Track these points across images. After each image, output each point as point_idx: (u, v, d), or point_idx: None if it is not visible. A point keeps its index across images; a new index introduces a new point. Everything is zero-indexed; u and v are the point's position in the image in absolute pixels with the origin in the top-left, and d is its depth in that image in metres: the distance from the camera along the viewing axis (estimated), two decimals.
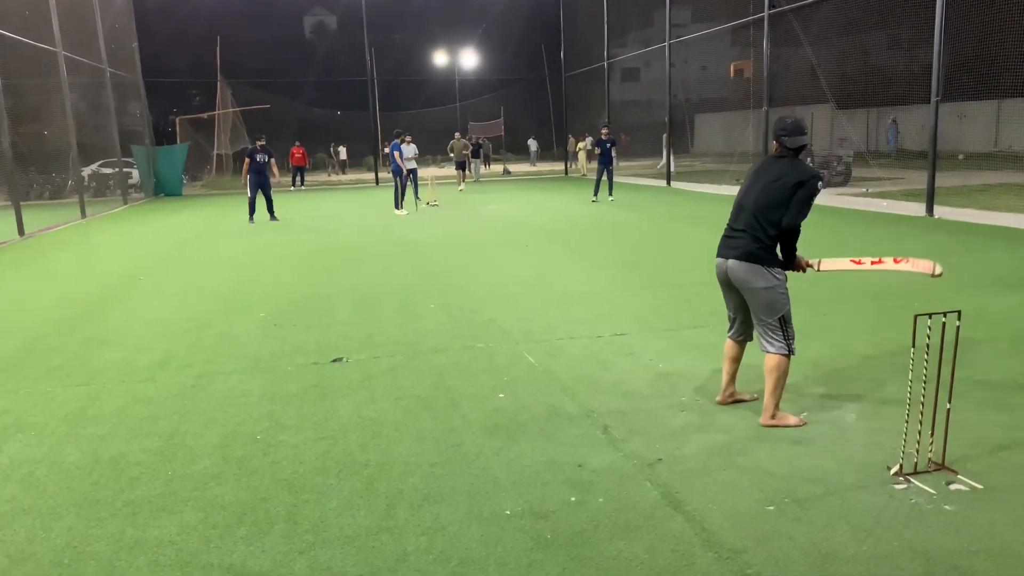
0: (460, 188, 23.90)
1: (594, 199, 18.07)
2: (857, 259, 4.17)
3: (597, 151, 18.31)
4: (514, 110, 39.25)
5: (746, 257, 4.01)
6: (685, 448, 3.86)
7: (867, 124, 29.73)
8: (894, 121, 29.20)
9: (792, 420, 4.09)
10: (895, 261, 4.02)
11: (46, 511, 3.40)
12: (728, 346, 4.38)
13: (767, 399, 4.07)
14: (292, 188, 27.50)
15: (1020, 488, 3.32)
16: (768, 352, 4.05)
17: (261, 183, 15.83)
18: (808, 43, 17.78)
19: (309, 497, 3.47)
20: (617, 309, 6.96)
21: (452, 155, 25.69)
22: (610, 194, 18.20)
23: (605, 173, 17.85)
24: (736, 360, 4.36)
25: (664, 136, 25.70)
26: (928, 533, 2.98)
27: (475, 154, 30.02)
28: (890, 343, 5.54)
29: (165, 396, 4.94)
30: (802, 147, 4.09)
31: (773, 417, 4.07)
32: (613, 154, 18.22)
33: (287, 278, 9.15)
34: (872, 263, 4.08)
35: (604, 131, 18.26)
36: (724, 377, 4.42)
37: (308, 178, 29.99)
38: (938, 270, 3.87)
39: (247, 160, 15.84)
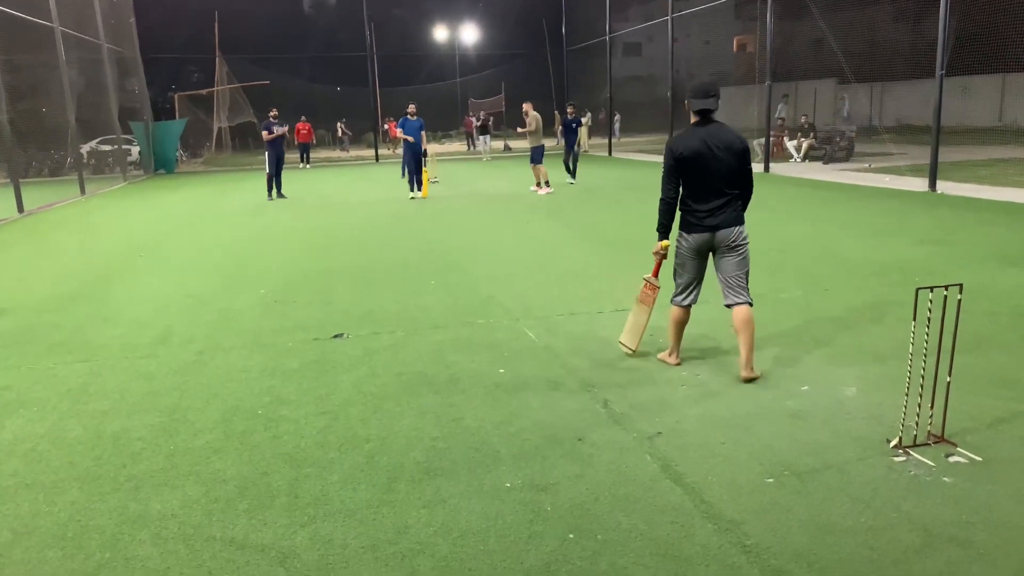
0: (541, 191, 15.14)
1: (570, 181, 16.51)
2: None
3: (561, 129, 17.01)
4: (515, 86, 38.94)
5: (742, 221, 4.43)
6: (684, 422, 3.87)
7: (871, 98, 29.52)
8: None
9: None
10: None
11: (49, 486, 3.42)
12: (684, 314, 4.66)
13: (752, 353, 4.32)
14: (301, 166, 26.41)
15: (1019, 460, 3.33)
16: (748, 304, 4.36)
17: (279, 156, 15.74)
18: (816, 15, 17.58)
19: (310, 471, 3.48)
20: (617, 285, 6.95)
21: (530, 132, 15.32)
22: (572, 177, 16.47)
23: (571, 156, 16.50)
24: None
25: (781, 105, 22.21)
26: (927, 505, 2.99)
27: (484, 131, 28.79)
28: (891, 317, 5.53)
29: (166, 372, 4.95)
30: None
31: (753, 369, 4.35)
32: (579, 134, 16.97)
33: (286, 255, 9.14)
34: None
35: (570, 110, 16.66)
36: (679, 341, 4.73)
37: (311, 155, 29.20)
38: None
39: (266, 132, 15.64)
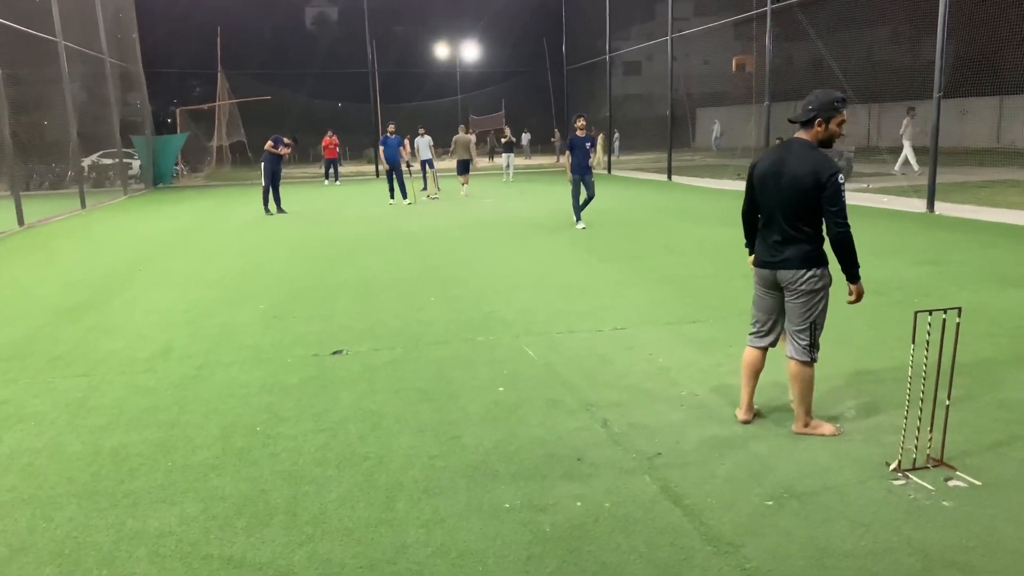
0: (462, 193, 19.34)
1: (578, 224, 12.30)
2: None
3: (568, 155, 12.13)
4: (515, 103, 39.22)
5: (807, 264, 3.81)
6: (684, 442, 3.86)
7: (868, 119, 29.71)
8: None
9: (827, 429, 3.91)
10: None
11: (47, 501, 3.41)
12: (753, 357, 4.09)
13: (801, 409, 3.91)
14: (326, 183, 25.65)
15: (1019, 484, 3.33)
16: (801, 362, 3.86)
17: (276, 172, 15.89)
18: (813, 36, 17.73)
19: (309, 489, 3.47)
20: (617, 303, 6.96)
21: (453, 154, 20.23)
22: (578, 215, 12.45)
23: (583, 185, 12.10)
24: (759, 372, 4.10)
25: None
26: (926, 529, 2.99)
27: (508, 148, 25.95)
28: (890, 338, 5.54)
29: (165, 386, 4.95)
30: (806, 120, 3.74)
31: (806, 425, 3.92)
32: (592, 159, 12.19)
33: (287, 269, 9.15)
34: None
35: (580, 123, 11.92)
36: (748, 392, 4.11)
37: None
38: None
39: (271, 143, 15.77)
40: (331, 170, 25.91)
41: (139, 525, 3.18)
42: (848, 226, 3.66)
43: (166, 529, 3.14)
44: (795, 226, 3.75)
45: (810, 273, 3.76)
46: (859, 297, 3.82)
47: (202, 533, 3.10)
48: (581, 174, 12.00)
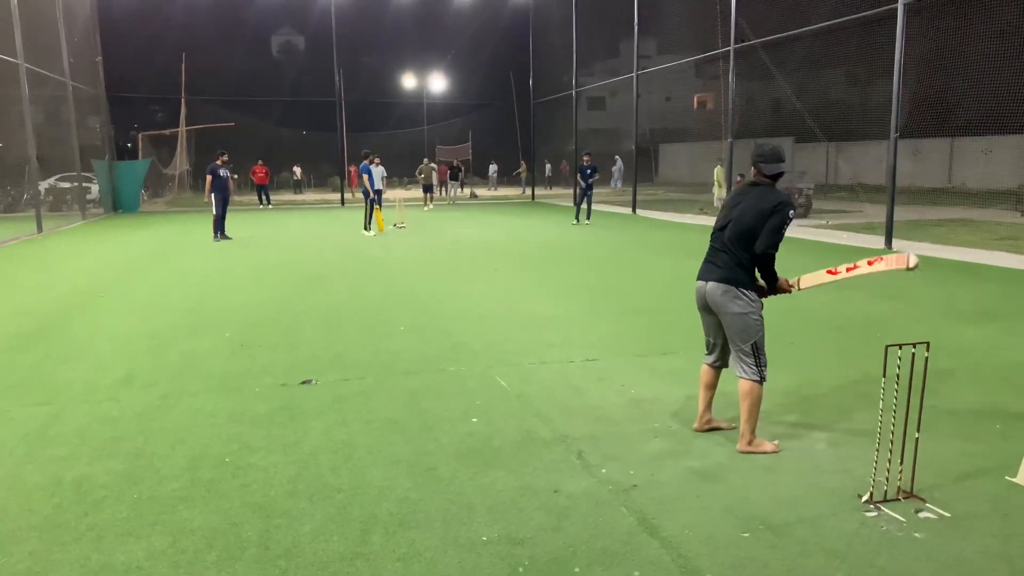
0: (425, 208, 25.23)
1: (574, 223, 19.09)
2: (833, 269, 4.18)
3: (579, 178, 19.24)
4: (482, 135, 39.55)
5: (723, 280, 4.08)
6: (660, 474, 3.87)
7: (827, 157, 30.53)
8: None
9: (768, 446, 4.14)
10: (869, 263, 3.96)
11: (6, 535, 3.28)
12: (703, 372, 4.41)
13: (743, 425, 4.12)
14: (260, 206, 27.72)
15: (986, 516, 3.40)
16: (741, 378, 4.10)
17: (225, 199, 15.80)
18: (777, 77, 18.23)
19: (281, 521, 3.40)
20: (587, 334, 6.99)
21: (421, 178, 26.57)
22: (577, 219, 19.37)
23: (585, 199, 18.93)
24: (711, 387, 4.39)
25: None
26: (900, 560, 3.03)
27: (454, 176, 30.91)
28: (856, 372, 5.64)
29: (129, 416, 4.82)
30: (779, 174, 4.17)
31: (749, 443, 4.12)
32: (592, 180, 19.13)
33: (253, 297, 9.02)
34: (848, 270, 4.08)
35: (585, 159, 18.79)
36: (700, 404, 4.43)
37: (272, 197, 29.85)
38: (913, 262, 3.73)
39: (210, 177, 15.73)
40: (263, 195, 28.36)
41: (104, 559, 3.07)
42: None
43: (133, 563, 3.04)
44: (728, 244, 4.08)
45: (728, 288, 4.04)
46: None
47: (171, 567, 3.01)
48: (584, 191, 18.69)
